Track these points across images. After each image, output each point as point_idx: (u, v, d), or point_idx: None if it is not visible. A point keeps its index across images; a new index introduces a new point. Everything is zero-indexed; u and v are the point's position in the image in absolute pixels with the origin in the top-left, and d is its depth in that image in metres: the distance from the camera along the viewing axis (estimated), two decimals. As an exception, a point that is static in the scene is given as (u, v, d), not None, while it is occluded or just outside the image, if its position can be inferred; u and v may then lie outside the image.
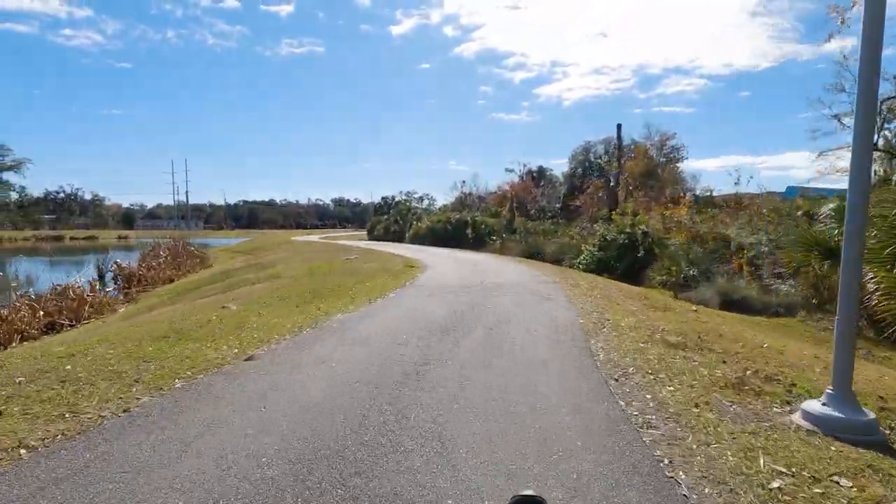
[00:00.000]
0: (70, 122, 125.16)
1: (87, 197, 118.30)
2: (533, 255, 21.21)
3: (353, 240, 38.63)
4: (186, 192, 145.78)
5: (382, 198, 52.57)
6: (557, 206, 39.56)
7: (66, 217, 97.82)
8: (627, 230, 15.72)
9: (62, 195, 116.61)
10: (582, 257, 16.90)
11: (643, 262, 15.08)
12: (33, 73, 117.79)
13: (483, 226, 30.48)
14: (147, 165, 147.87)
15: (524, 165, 51.00)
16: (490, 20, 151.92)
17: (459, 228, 30.05)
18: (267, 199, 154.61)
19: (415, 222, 34.54)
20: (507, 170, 51.16)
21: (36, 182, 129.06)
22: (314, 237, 47.27)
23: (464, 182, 57.85)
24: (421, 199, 63.73)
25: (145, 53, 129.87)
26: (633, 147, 31.13)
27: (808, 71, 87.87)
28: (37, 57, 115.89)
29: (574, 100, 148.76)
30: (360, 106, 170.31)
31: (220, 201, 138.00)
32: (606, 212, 31.37)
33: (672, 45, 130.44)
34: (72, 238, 65.85)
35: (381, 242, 34.58)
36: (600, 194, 29.16)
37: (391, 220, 40.06)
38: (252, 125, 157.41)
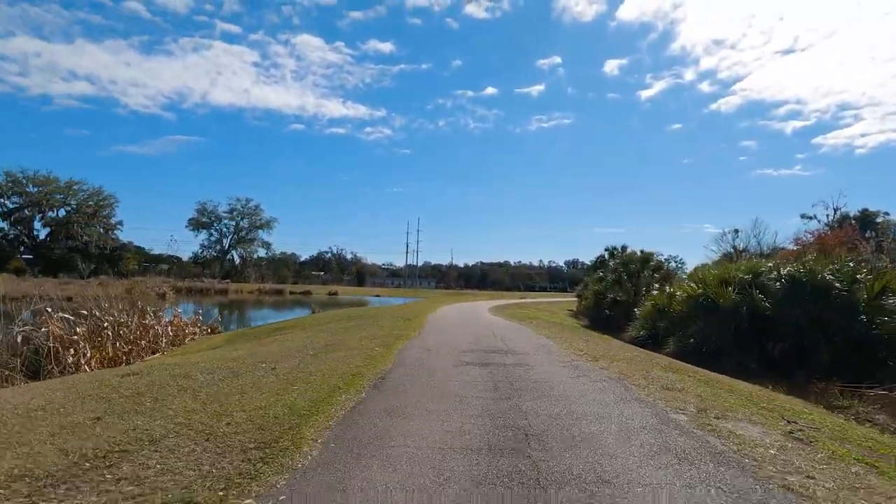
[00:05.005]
0: (362, 201, 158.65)
1: (349, 257, 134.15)
2: None
3: (531, 317, 21.11)
4: (417, 251, 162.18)
5: (606, 249, 33.74)
6: (905, 264, 23.73)
7: (310, 274, 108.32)
8: None
9: (329, 255, 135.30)
10: None
11: None
12: (341, 164, 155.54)
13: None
14: (405, 229, 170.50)
15: (835, 210, 35.52)
16: (756, 69, 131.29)
17: (798, 309, 9.80)
18: (501, 261, 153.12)
19: (665, 287, 15.26)
20: (804, 216, 36.94)
21: (321, 244, 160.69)
22: (484, 302, 30.58)
23: (736, 231, 38.27)
24: (667, 260, 42.65)
25: (422, 141, 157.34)
26: None
27: None
28: (347, 150, 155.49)
29: (870, 147, 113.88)
30: (605, 171, 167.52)
31: (459, 262, 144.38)
32: None
33: None
34: (290, 292, 67.00)
35: (574, 329, 16.40)
36: None
37: (610, 282, 21.34)
38: (499, 193, 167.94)
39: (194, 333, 14.76)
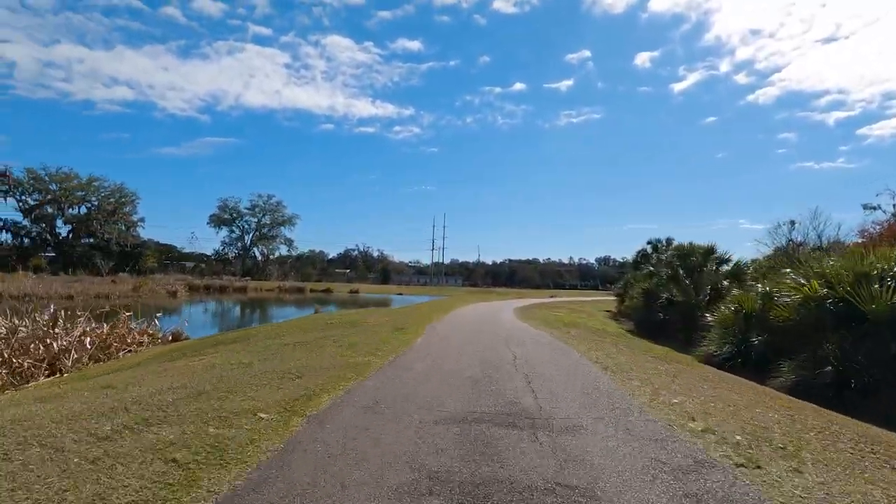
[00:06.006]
0: (389, 199, 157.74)
1: (375, 254, 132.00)
2: None
3: (567, 323, 17.41)
4: (443, 249, 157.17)
5: (649, 242, 29.83)
6: None
7: (335, 272, 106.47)
8: None
9: (355, 252, 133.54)
10: None
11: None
12: (370, 162, 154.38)
13: None
14: (432, 226, 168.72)
15: (906, 197, 30.10)
16: (796, 59, 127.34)
17: None
18: (530, 258, 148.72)
19: (748, 285, 11.28)
20: (865, 206, 33.72)
21: (349, 242, 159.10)
22: (510, 302, 26.30)
23: (792, 223, 34.19)
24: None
25: (449, 138, 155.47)
26: None
27: None
28: (375, 149, 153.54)
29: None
30: (635, 167, 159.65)
31: (487, 260, 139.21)
32: None
33: None
34: (311, 290, 64.93)
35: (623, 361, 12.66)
36: None
37: (664, 278, 17.34)
38: (528, 190, 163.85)
39: (140, 343, 11.73)
